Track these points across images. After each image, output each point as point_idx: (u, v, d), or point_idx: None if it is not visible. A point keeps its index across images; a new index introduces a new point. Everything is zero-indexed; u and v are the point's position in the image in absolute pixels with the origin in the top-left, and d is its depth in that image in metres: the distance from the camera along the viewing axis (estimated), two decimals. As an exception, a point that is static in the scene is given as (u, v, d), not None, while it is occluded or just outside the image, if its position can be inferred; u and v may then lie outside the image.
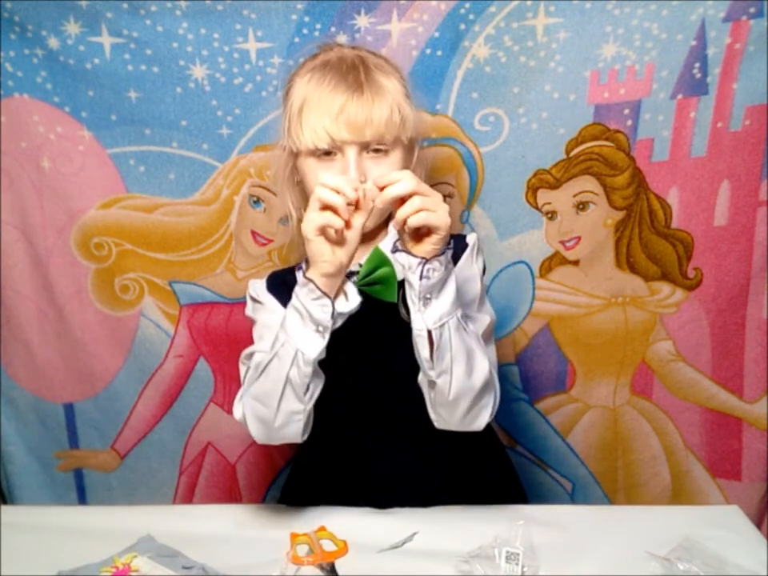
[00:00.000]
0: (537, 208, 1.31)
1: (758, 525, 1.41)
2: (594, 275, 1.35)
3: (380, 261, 0.88)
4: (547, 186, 1.29)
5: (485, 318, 0.96)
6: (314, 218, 0.79)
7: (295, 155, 0.94)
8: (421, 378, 0.91)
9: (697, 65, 1.20)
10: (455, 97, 1.26)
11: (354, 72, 0.90)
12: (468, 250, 0.97)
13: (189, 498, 1.54)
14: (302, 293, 0.83)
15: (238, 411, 0.94)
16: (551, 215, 1.32)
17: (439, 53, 1.23)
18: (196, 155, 1.32)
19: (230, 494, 1.54)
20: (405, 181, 0.78)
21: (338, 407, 1.00)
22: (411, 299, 0.83)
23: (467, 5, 1.20)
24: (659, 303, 1.36)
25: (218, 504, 1.45)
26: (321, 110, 0.88)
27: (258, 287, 1.01)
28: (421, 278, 0.81)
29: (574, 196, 1.30)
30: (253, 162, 1.31)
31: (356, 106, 0.87)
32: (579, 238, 1.33)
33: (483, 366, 0.88)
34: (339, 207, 0.78)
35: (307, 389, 0.86)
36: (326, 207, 0.79)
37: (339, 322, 0.84)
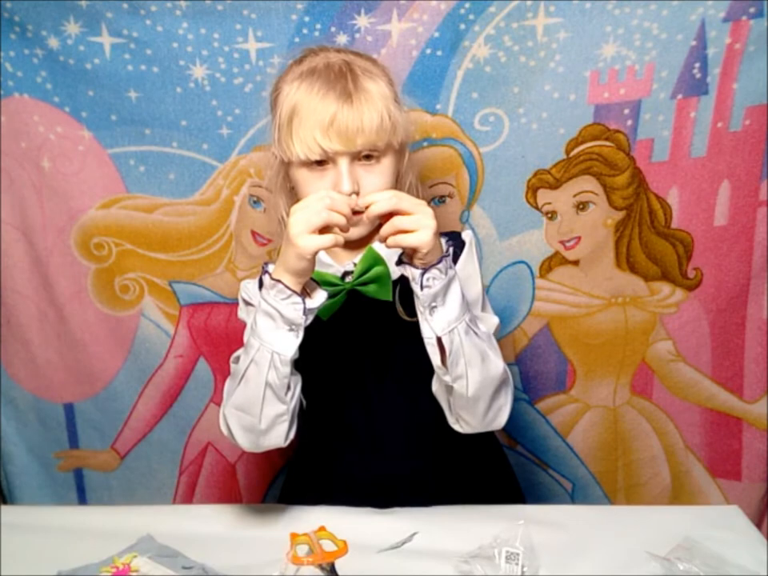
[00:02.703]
0: (537, 208, 1.31)
1: (758, 525, 1.42)
2: (594, 275, 1.35)
3: (374, 260, 0.88)
4: (547, 185, 1.29)
5: (492, 319, 0.96)
6: (317, 241, 0.80)
7: (287, 164, 0.94)
8: (436, 387, 0.91)
9: (697, 65, 1.20)
10: (455, 97, 1.26)
11: (342, 80, 0.89)
12: (466, 249, 0.97)
13: (189, 498, 1.54)
14: (270, 295, 0.83)
15: (222, 425, 0.94)
16: (551, 215, 1.32)
17: (439, 53, 1.23)
18: (196, 155, 1.32)
19: (229, 494, 1.54)
20: (384, 200, 0.81)
21: (335, 407, 1.00)
22: (418, 308, 0.85)
23: (467, 5, 1.20)
24: (659, 303, 1.36)
25: (217, 504, 1.46)
26: (311, 122, 0.87)
27: (250, 288, 1.00)
28: (422, 287, 0.82)
29: (574, 196, 1.30)
30: (253, 162, 1.31)
31: (346, 115, 0.87)
32: (579, 237, 1.33)
33: (498, 365, 0.89)
34: (340, 222, 0.81)
35: (288, 388, 0.87)
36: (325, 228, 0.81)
37: (310, 319, 0.85)
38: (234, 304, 1.39)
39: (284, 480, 1.21)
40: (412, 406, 0.96)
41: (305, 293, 0.85)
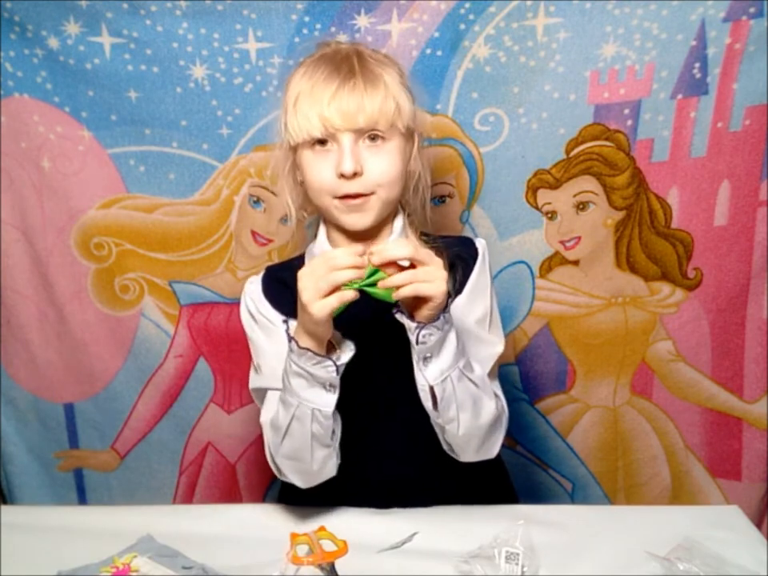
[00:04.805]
0: (537, 208, 1.31)
1: (758, 525, 1.42)
2: (594, 275, 1.35)
3: None
4: (547, 185, 1.29)
5: (496, 347, 0.96)
6: (326, 304, 0.78)
7: (294, 150, 0.93)
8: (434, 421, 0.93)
9: (697, 65, 1.20)
10: (455, 97, 1.26)
11: (348, 62, 0.89)
12: (480, 261, 0.97)
13: (189, 498, 1.54)
14: (301, 361, 0.83)
15: (276, 471, 0.96)
16: (551, 215, 1.32)
17: (439, 53, 1.24)
18: (196, 155, 1.32)
19: (229, 494, 1.54)
20: (400, 248, 0.79)
21: (340, 408, 1.00)
22: (413, 356, 0.85)
23: (467, 5, 1.20)
24: (659, 303, 1.36)
25: (217, 504, 1.46)
26: (314, 99, 0.87)
27: (253, 293, 0.99)
28: (417, 342, 0.82)
29: (574, 196, 1.30)
30: (253, 162, 1.31)
31: (348, 92, 0.86)
32: (579, 237, 1.33)
33: (490, 407, 0.90)
34: (349, 279, 0.78)
35: (332, 433, 0.89)
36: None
37: (341, 371, 0.86)
38: (233, 304, 1.39)
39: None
40: (410, 409, 0.95)
41: (331, 346, 0.86)
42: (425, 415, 0.91)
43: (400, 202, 0.98)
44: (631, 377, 1.41)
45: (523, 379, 1.42)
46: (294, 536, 0.92)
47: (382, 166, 0.89)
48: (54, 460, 1.54)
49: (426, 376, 0.85)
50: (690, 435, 1.43)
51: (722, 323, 1.35)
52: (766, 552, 0.87)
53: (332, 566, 0.86)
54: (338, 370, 0.84)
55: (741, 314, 1.35)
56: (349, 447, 0.95)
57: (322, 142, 0.89)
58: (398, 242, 0.81)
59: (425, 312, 0.81)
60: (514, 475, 1.15)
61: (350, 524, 0.95)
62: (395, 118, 0.89)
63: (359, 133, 0.88)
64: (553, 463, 1.48)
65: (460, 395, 0.86)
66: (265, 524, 0.98)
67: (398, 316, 0.84)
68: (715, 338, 1.36)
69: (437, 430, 0.93)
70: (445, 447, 0.94)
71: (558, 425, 1.45)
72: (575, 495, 1.49)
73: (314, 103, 0.87)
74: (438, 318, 0.81)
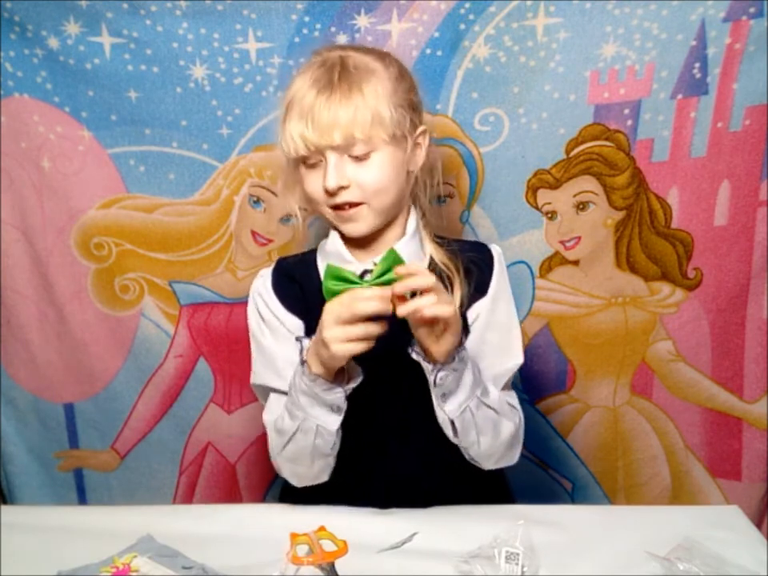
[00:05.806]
0: (537, 208, 1.31)
1: (758, 525, 1.41)
2: (594, 275, 1.35)
3: (394, 261, 0.87)
4: (547, 185, 1.29)
5: (514, 360, 0.97)
6: (350, 348, 0.80)
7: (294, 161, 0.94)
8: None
9: (697, 65, 1.20)
10: (455, 97, 1.26)
11: (328, 74, 0.88)
12: (497, 267, 0.97)
13: (189, 498, 1.54)
14: (311, 385, 0.85)
15: (276, 468, 0.99)
16: (551, 215, 1.32)
17: (439, 53, 1.23)
18: (196, 155, 1.32)
19: (229, 494, 1.54)
20: (427, 276, 0.80)
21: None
22: (432, 393, 0.87)
23: (467, 5, 1.20)
24: (659, 303, 1.36)
25: (217, 504, 1.46)
26: (296, 117, 0.88)
27: (262, 287, 0.99)
28: (435, 384, 0.85)
29: (574, 196, 1.30)
30: (253, 162, 1.31)
31: (322, 108, 0.86)
32: (579, 237, 1.33)
33: (508, 426, 0.93)
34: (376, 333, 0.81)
35: (333, 445, 0.91)
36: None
37: (348, 393, 0.87)
38: (234, 304, 1.39)
39: (284, 480, 1.21)
40: (411, 410, 0.95)
41: (341, 371, 0.86)
42: (438, 443, 0.93)
43: (414, 203, 0.98)
44: (631, 377, 1.41)
45: (523, 379, 1.42)
46: (293, 536, 0.92)
47: (369, 177, 0.89)
48: (54, 460, 1.54)
49: (446, 411, 0.87)
50: (690, 435, 1.43)
51: (722, 323, 1.35)
52: (766, 552, 0.87)
53: (332, 566, 0.86)
54: (346, 397, 0.86)
55: (741, 314, 1.35)
56: (348, 446, 0.95)
57: (311, 158, 0.90)
58: (420, 275, 0.80)
59: (447, 341, 0.82)
60: (514, 475, 1.15)
61: (350, 524, 0.95)
62: (373, 130, 0.87)
63: (344, 148, 0.88)
64: (553, 463, 1.48)
65: (480, 421, 0.88)
66: (265, 524, 0.98)
67: (415, 356, 0.85)
68: (715, 337, 1.36)
69: (459, 447, 0.94)
70: (467, 457, 0.96)
71: (558, 425, 1.45)
72: (575, 495, 1.49)
73: (296, 122, 0.88)
74: (454, 360, 0.83)
